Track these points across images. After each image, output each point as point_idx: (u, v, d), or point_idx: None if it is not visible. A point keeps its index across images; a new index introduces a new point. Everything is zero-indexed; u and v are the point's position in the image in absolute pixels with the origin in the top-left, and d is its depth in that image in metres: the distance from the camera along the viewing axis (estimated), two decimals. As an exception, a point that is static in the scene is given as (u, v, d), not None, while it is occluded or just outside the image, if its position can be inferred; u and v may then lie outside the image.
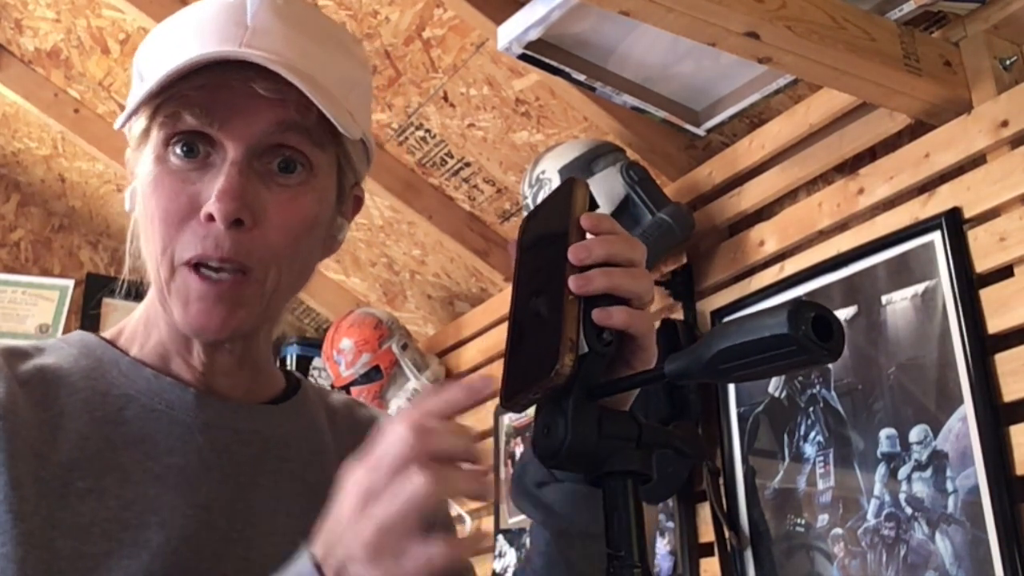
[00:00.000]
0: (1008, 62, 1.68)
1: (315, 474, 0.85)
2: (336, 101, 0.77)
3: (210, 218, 0.75)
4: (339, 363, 2.86)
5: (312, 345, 3.31)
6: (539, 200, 2.12)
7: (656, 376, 0.65)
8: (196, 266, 0.76)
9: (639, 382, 0.68)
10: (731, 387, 2.02)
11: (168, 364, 0.82)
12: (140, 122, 0.79)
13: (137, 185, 0.81)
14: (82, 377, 0.79)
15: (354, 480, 0.63)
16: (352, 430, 0.92)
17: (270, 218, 0.77)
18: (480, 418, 2.62)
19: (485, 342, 2.84)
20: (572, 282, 0.66)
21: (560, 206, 0.72)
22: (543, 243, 0.72)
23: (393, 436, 0.62)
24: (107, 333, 0.86)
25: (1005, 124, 1.62)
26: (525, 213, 0.75)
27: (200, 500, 0.77)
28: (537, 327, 0.67)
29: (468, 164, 2.56)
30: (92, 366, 0.80)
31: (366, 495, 0.62)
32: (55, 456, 0.73)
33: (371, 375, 2.84)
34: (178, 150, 0.77)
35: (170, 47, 0.78)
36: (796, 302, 0.59)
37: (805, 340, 0.57)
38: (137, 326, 0.84)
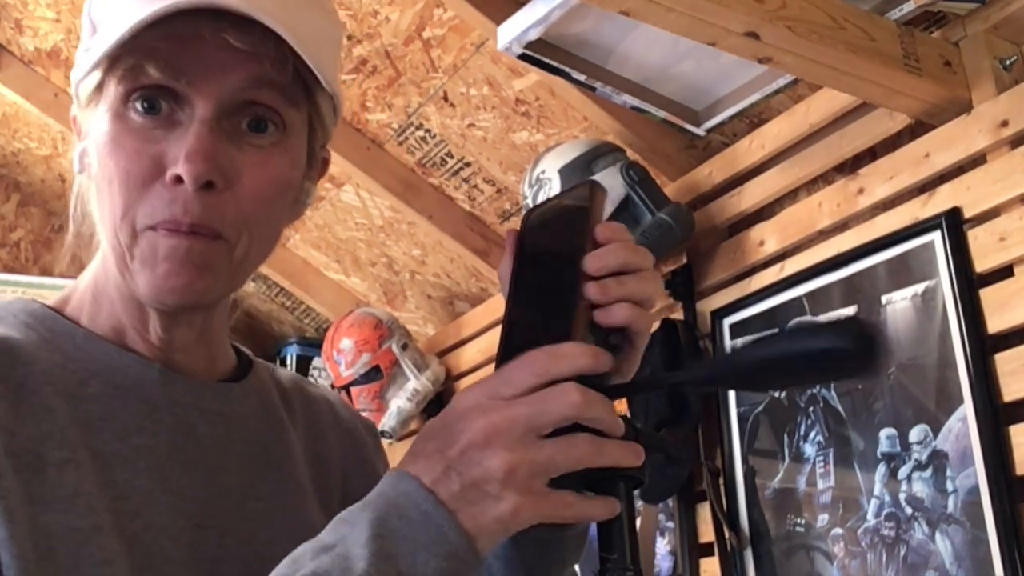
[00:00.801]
0: (1008, 62, 1.68)
1: (278, 454, 0.81)
2: (315, 55, 0.71)
3: (178, 180, 0.69)
4: (339, 363, 2.86)
5: (312, 345, 3.31)
6: (539, 199, 2.12)
7: (693, 379, 0.65)
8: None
9: (664, 383, 0.68)
10: (731, 387, 2.01)
11: (123, 338, 0.76)
12: (93, 76, 0.72)
13: (89, 145, 0.74)
14: (36, 348, 0.72)
15: (476, 384, 0.62)
16: (305, 406, 0.88)
17: (242, 180, 0.71)
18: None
19: (485, 342, 2.83)
20: (590, 290, 0.66)
21: (578, 210, 0.71)
22: (555, 245, 0.71)
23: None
24: (50, 302, 0.79)
25: (1005, 124, 1.62)
26: (525, 212, 0.74)
27: (171, 486, 0.72)
28: (545, 329, 0.67)
29: (468, 164, 2.56)
30: (45, 338, 0.74)
31: (493, 388, 0.61)
32: (22, 430, 0.67)
33: (371, 375, 2.84)
34: (139, 106, 0.70)
35: None
36: (855, 320, 0.60)
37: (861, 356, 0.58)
38: (84, 296, 0.78)
